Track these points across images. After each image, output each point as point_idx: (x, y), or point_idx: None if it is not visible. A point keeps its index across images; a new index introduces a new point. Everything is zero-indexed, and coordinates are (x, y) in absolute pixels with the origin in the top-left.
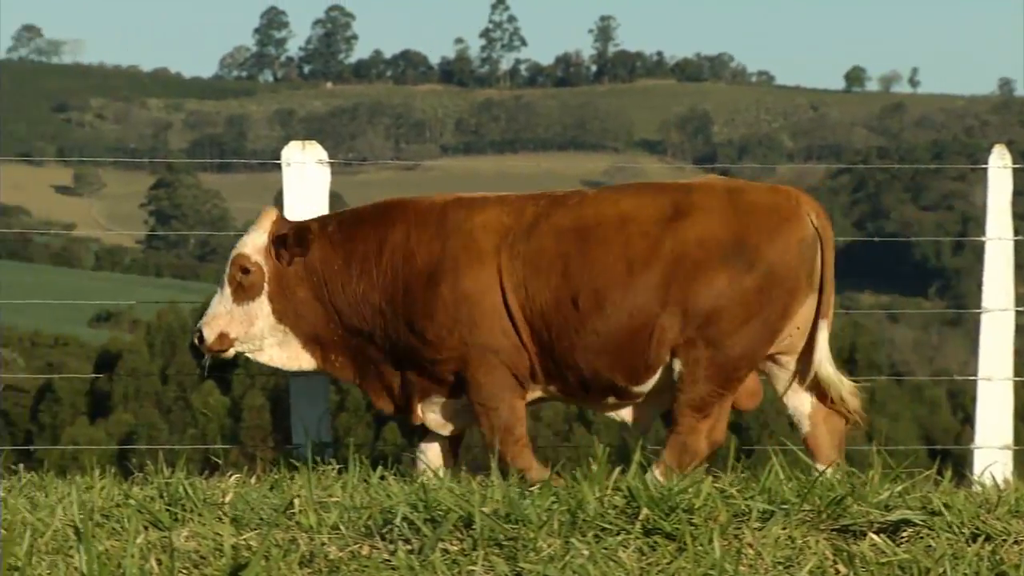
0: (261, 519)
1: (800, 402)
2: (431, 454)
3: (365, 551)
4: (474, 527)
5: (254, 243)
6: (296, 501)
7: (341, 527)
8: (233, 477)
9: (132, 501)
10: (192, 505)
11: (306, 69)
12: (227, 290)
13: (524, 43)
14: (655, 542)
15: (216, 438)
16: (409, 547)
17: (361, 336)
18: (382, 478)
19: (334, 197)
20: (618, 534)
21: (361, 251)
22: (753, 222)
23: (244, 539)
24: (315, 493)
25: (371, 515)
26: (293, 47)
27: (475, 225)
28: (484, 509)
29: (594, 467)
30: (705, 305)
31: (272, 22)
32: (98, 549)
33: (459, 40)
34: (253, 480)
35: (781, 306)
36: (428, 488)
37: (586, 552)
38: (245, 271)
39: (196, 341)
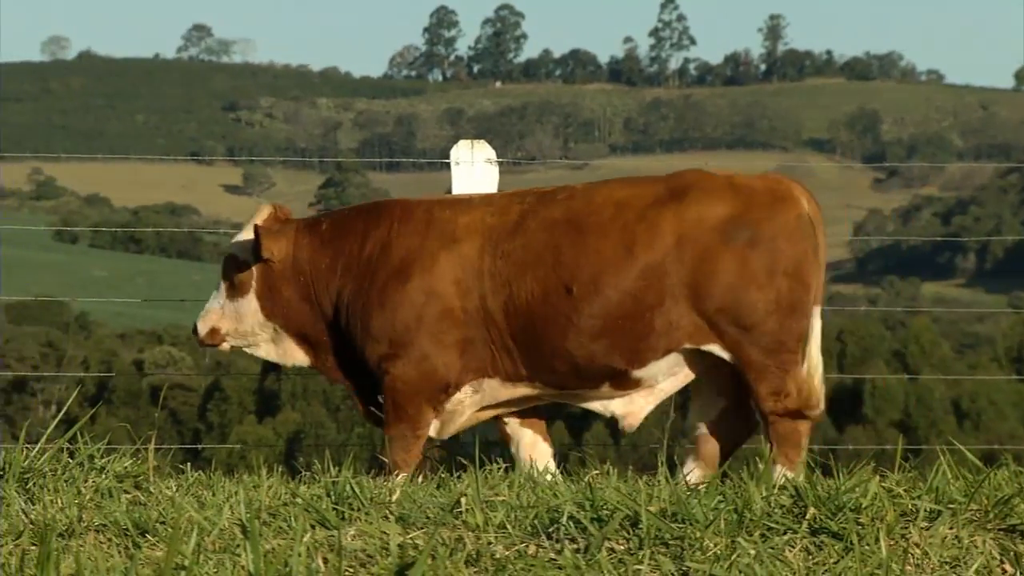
0: (428, 518)
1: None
2: (525, 443)
3: (531, 550)
4: (640, 526)
5: (243, 242)
6: (463, 500)
7: (508, 526)
8: (400, 475)
9: (299, 500)
10: (359, 504)
11: (475, 68)
12: (223, 286)
13: (693, 42)
14: (821, 541)
15: (384, 437)
16: (575, 546)
17: (346, 336)
18: (550, 477)
19: None
20: (784, 533)
21: (347, 249)
22: (750, 200)
23: (411, 538)
24: (482, 492)
25: (537, 514)
26: (462, 46)
27: (458, 226)
28: (650, 508)
29: (760, 466)
30: (717, 289)
31: (442, 21)
32: (265, 548)
33: (628, 39)
34: (420, 479)
35: (797, 278)
36: (594, 487)
37: (752, 551)
38: (236, 269)
39: (192, 334)
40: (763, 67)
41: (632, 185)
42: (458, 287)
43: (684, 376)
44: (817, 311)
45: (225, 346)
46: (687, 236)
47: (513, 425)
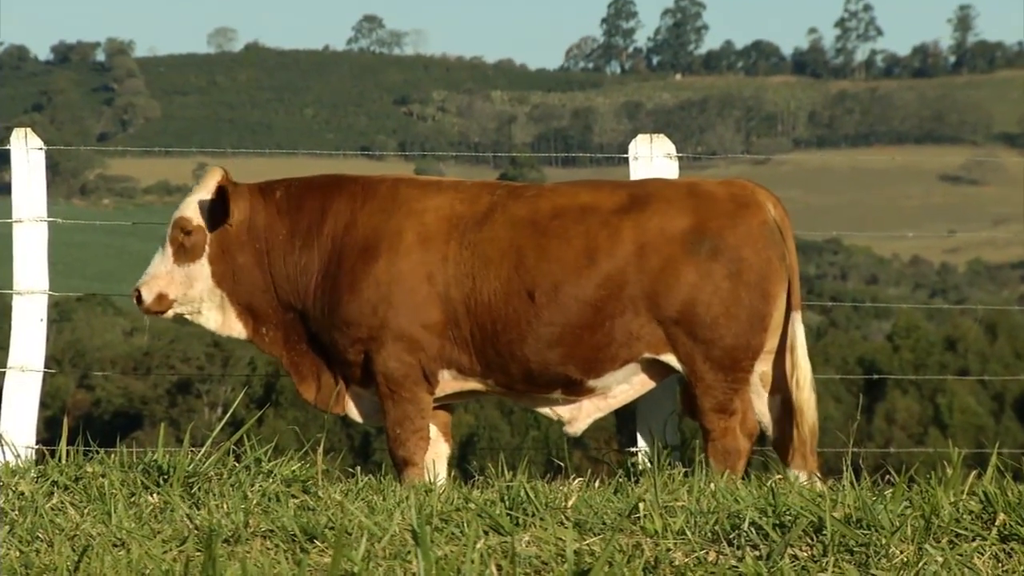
0: (604, 523)
1: (767, 406)
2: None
3: (711, 557)
4: (824, 532)
5: (197, 205)
6: (641, 505)
7: (687, 532)
8: (576, 480)
9: (472, 505)
10: (534, 509)
11: (655, 60)
12: (168, 251)
13: (880, 33)
14: (1011, 548)
15: (559, 440)
16: (757, 553)
17: (294, 312)
18: (729, 481)
19: None
20: (973, 540)
21: (306, 222)
22: (712, 209)
23: (587, 544)
24: (661, 497)
25: (718, 520)
26: (641, 38)
27: (427, 207)
28: (835, 514)
29: (949, 471)
30: (678, 300)
31: (620, 12)
32: (436, 554)
33: (812, 30)
34: (596, 483)
35: (759, 290)
36: (777, 492)
37: (940, 559)
38: (187, 232)
39: (135, 301)
40: (952, 59)
41: (595, 190)
42: (424, 268)
43: (639, 386)
44: (797, 316)
45: (169, 314)
46: (649, 246)
47: None
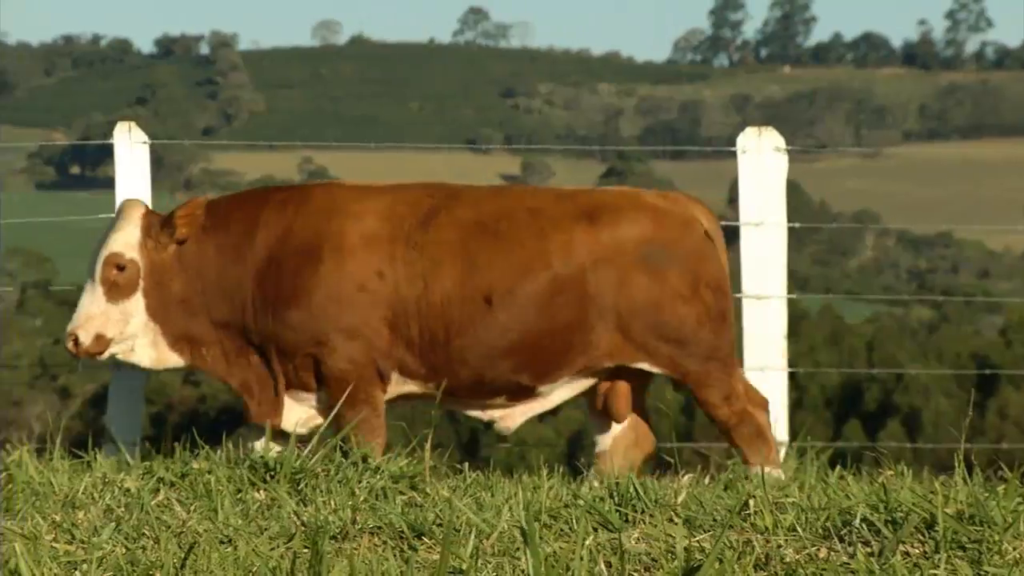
0: (714, 520)
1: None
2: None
3: (822, 553)
4: (936, 529)
5: (126, 239)
6: (751, 502)
7: (798, 528)
8: (686, 476)
9: (581, 501)
10: (643, 506)
11: (763, 52)
12: (99, 290)
13: (991, 24)
14: None
15: (670, 436)
16: (868, 550)
17: (232, 329)
18: (841, 478)
19: (791, 186)
20: None
21: (235, 235)
22: (662, 218)
23: (697, 541)
24: (771, 493)
25: (829, 516)
26: (750, 30)
27: (367, 209)
28: (947, 510)
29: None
30: (645, 310)
31: (728, 4)
32: (545, 551)
33: (922, 21)
34: (707, 480)
35: (719, 289)
36: (889, 488)
37: None
38: (120, 268)
39: (71, 346)
40: None
41: (544, 194)
42: (371, 267)
43: (578, 388)
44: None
45: (105, 355)
46: (604, 258)
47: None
